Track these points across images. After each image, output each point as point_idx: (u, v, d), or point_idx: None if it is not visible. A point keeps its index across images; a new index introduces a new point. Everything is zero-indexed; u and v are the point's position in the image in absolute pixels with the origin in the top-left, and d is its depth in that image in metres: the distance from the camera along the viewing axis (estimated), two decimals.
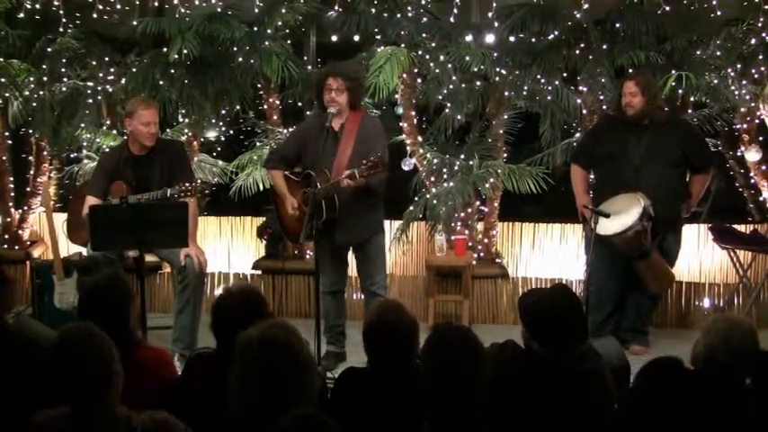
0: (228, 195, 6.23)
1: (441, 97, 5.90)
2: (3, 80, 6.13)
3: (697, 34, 5.69)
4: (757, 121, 5.90)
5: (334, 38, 6.15)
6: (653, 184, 5.05)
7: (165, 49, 5.93)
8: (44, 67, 6.18)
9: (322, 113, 4.92)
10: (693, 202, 5.34)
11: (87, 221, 4.48)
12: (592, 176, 5.51)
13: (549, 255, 6.21)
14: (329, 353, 5.09)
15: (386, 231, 5.22)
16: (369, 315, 3.15)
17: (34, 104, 6.16)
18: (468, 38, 5.84)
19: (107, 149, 5.87)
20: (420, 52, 5.84)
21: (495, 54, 5.79)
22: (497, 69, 5.77)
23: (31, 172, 6.54)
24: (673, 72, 5.57)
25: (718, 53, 5.64)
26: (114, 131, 6.23)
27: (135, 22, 6.02)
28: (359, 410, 2.87)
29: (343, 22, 5.93)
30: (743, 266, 5.85)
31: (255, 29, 5.99)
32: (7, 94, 6.18)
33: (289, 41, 6.08)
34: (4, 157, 6.52)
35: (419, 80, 5.98)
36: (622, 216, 4.91)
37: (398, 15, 5.85)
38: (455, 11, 5.90)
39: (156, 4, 6.46)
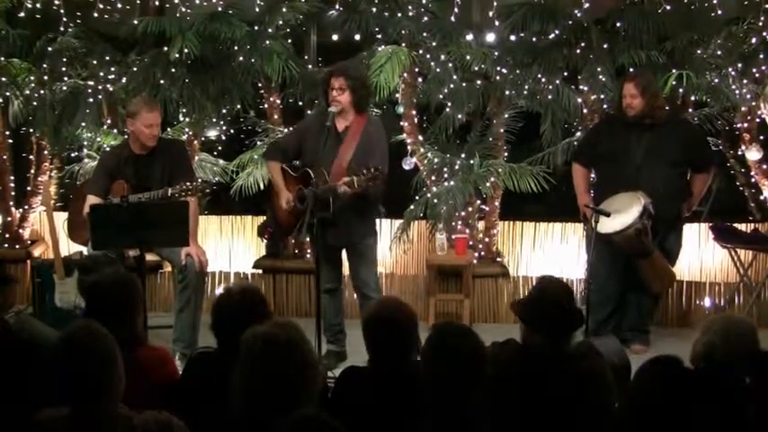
0: (229, 195, 6.22)
1: (441, 96, 5.90)
2: (3, 79, 6.11)
3: (698, 33, 5.68)
4: (758, 120, 5.89)
5: (334, 37, 6.15)
6: (654, 183, 5.05)
7: (165, 49, 5.92)
8: (45, 66, 6.16)
9: (324, 113, 4.93)
10: (694, 202, 5.35)
11: (88, 220, 4.49)
12: (593, 175, 5.52)
13: (550, 254, 6.21)
14: (330, 352, 5.10)
15: (379, 233, 5.21)
16: (368, 309, 3.17)
17: (35, 103, 6.15)
18: (469, 37, 5.83)
19: (108, 148, 5.87)
20: (421, 51, 5.84)
21: (496, 53, 5.79)
22: (498, 68, 5.77)
23: (32, 171, 6.51)
24: (673, 71, 5.58)
25: (719, 52, 5.64)
26: (115, 131, 6.21)
27: (136, 22, 6.01)
28: (359, 410, 2.87)
29: (343, 21, 5.92)
30: (743, 266, 5.85)
31: (256, 28, 5.98)
32: (8, 94, 6.16)
33: (289, 41, 6.07)
34: (4, 157, 6.50)
35: (420, 79, 5.98)
36: (622, 214, 4.91)
37: (399, 15, 5.84)
38: (456, 10, 5.89)
39: (157, 3, 6.44)
